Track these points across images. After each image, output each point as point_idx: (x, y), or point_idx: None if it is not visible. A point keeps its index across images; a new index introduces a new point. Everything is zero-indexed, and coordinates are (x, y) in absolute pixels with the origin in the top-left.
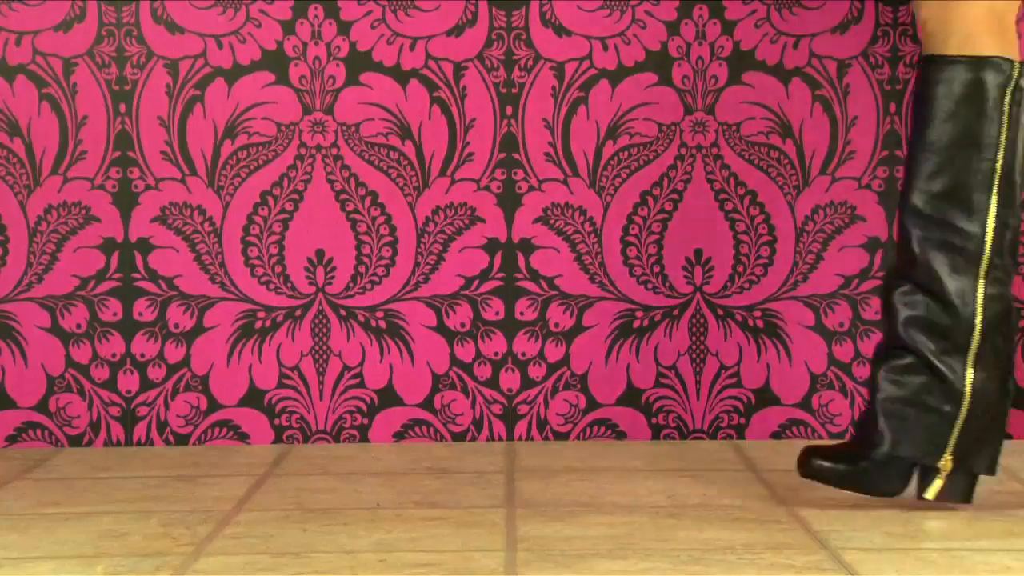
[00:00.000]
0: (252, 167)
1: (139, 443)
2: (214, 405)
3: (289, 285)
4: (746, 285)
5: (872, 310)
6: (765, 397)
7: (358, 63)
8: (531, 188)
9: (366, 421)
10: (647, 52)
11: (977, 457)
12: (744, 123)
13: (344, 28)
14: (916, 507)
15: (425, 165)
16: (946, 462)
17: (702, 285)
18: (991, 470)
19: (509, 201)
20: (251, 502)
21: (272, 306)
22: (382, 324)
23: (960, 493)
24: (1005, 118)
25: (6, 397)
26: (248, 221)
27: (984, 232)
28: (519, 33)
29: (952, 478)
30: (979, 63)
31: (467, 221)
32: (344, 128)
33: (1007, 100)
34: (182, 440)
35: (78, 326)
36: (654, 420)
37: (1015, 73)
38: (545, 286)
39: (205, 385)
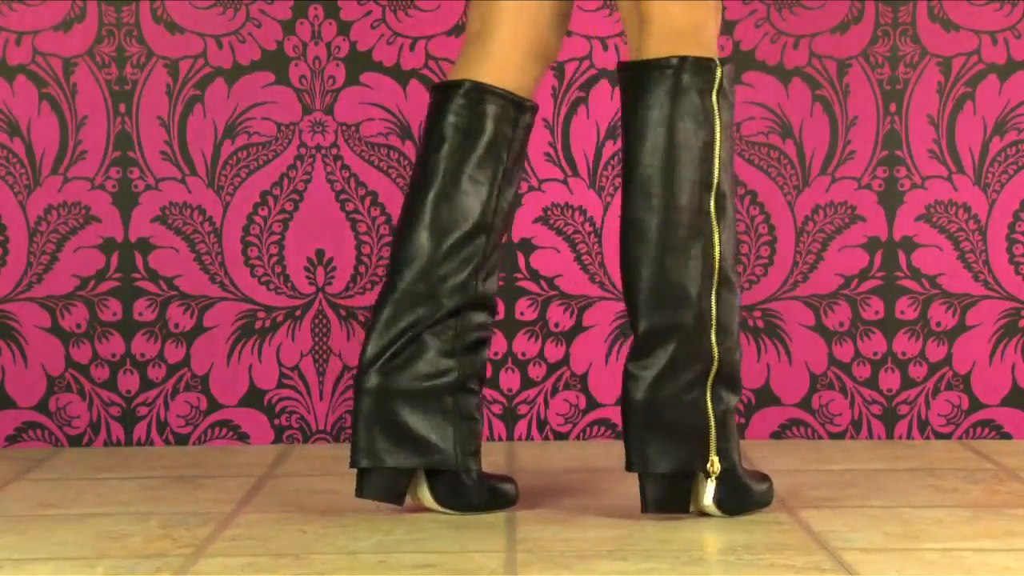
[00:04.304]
0: (252, 167)
1: (139, 443)
2: (214, 405)
3: (289, 285)
4: (746, 285)
5: (872, 310)
6: (765, 397)
7: (358, 63)
8: (531, 188)
9: None
10: None
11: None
12: (744, 123)
13: (344, 28)
14: (916, 507)
15: None
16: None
17: None
18: None
19: None
20: (251, 503)
21: (272, 306)
22: None
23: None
24: None
25: (6, 397)
26: (248, 221)
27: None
28: None
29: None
30: None
31: None
32: (344, 128)
33: None
34: (182, 440)
35: (78, 326)
36: None
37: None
38: (545, 286)
39: (205, 385)
